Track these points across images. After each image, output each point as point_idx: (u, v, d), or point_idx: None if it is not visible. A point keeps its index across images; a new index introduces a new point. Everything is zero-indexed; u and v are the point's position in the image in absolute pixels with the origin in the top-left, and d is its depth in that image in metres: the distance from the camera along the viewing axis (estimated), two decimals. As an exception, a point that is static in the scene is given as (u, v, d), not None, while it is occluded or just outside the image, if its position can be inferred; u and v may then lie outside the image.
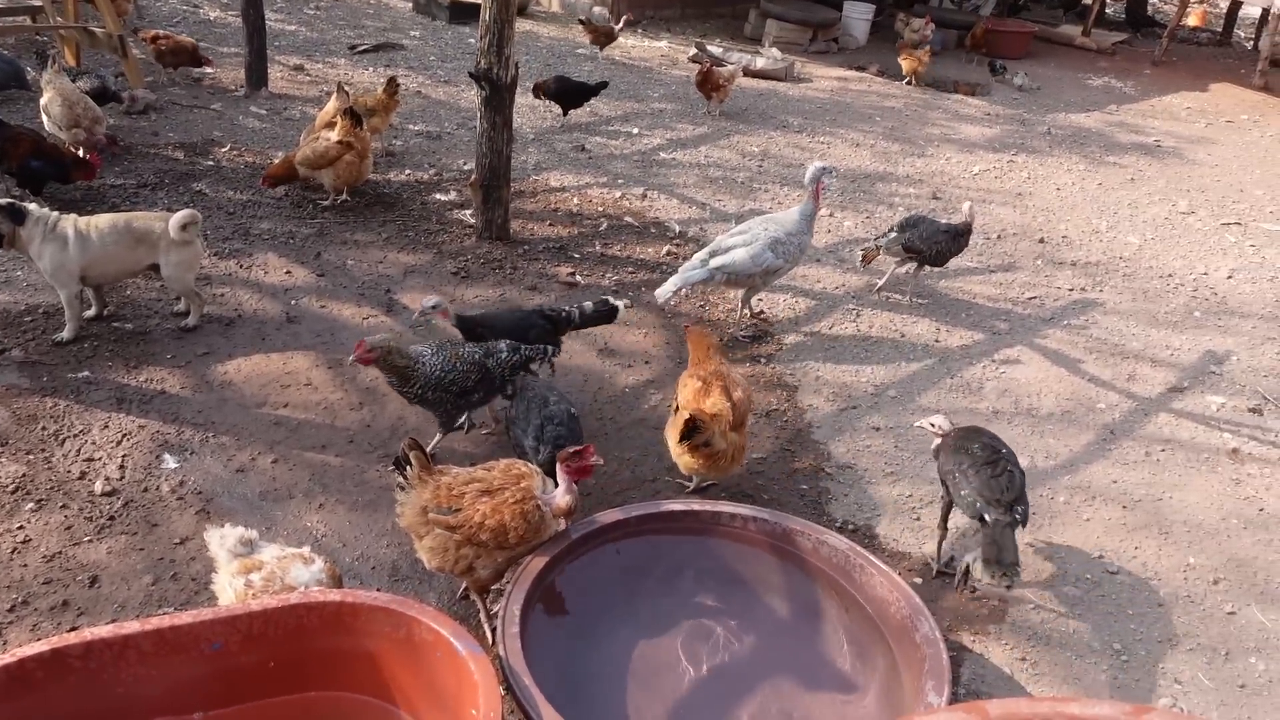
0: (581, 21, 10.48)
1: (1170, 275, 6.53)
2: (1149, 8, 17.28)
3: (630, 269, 5.68)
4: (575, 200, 6.56)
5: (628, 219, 6.35)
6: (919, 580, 3.51)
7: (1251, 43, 15.44)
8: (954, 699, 2.81)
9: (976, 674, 3.16)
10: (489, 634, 2.98)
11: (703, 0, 13.07)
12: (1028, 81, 11.48)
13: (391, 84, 6.53)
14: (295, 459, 3.75)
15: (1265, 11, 13.74)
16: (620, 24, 10.54)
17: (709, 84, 8.57)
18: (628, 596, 3.08)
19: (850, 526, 3.77)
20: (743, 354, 4.95)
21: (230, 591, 2.67)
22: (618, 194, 6.73)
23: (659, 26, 12.25)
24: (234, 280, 4.94)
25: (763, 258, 4.83)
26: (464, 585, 3.18)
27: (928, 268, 5.68)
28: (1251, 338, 5.72)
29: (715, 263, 4.84)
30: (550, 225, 6.11)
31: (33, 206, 4.15)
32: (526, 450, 3.44)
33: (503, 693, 2.47)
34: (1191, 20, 17.00)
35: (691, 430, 3.43)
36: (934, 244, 5.45)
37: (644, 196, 6.74)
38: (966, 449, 3.40)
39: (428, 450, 3.03)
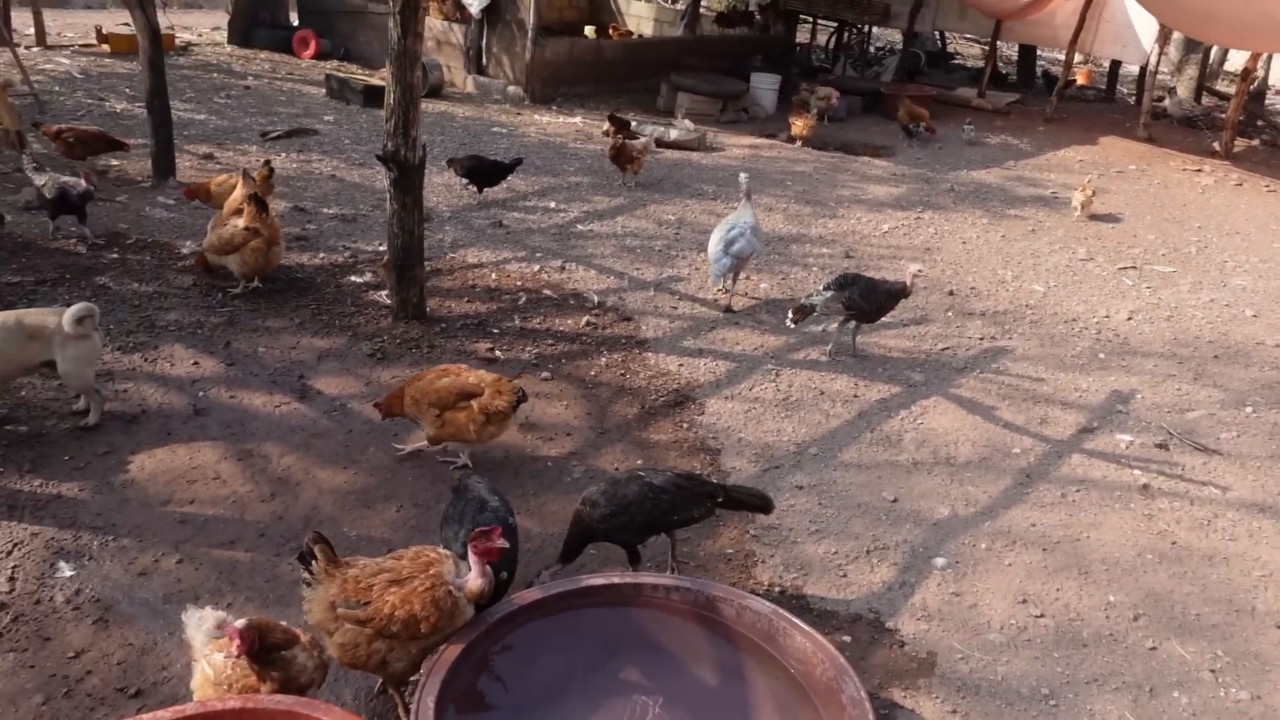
0: (610, 117, 10.22)
1: (1074, 320, 6.78)
2: (1038, 69, 18.31)
3: (550, 341, 5.67)
4: (493, 275, 6.57)
5: (546, 292, 6.37)
6: (847, 639, 3.50)
7: (1134, 98, 16.42)
8: (884, 759, 2.78)
9: (909, 731, 3.14)
10: (407, 729, 2.86)
11: (615, 76, 13.42)
12: (973, 135, 12.40)
13: (265, 167, 6.43)
14: (202, 558, 3.60)
15: (1143, 69, 14.68)
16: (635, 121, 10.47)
17: (623, 156, 8.74)
18: (550, 678, 2.99)
19: (778, 589, 3.75)
20: (665, 420, 4.95)
21: (209, 669, 2.62)
22: (536, 268, 6.76)
23: (573, 103, 12.52)
24: (138, 375, 4.78)
25: (754, 241, 6.27)
26: (381, 680, 3.06)
27: (856, 324, 5.77)
28: (1153, 376, 5.94)
29: (734, 250, 6.15)
30: (468, 302, 6.09)
31: None
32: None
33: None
34: (1078, 79, 18.05)
35: (523, 398, 4.19)
36: (874, 301, 5.57)
37: (562, 269, 6.78)
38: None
39: None
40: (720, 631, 3.14)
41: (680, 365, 5.56)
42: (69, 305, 4.14)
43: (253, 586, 3.49)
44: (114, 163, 7.82)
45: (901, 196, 9.62)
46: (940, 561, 3.98)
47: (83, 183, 6.03)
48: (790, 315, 5.68)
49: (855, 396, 5.37)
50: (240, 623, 2.57)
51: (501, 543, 2.85)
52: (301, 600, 2.91)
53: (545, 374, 5.27)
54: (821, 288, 5.73)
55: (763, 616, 3.07)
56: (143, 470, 4.05)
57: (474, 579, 2.86)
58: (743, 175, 6.53)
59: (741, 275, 6.78)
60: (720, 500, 3.64)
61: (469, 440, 4.20)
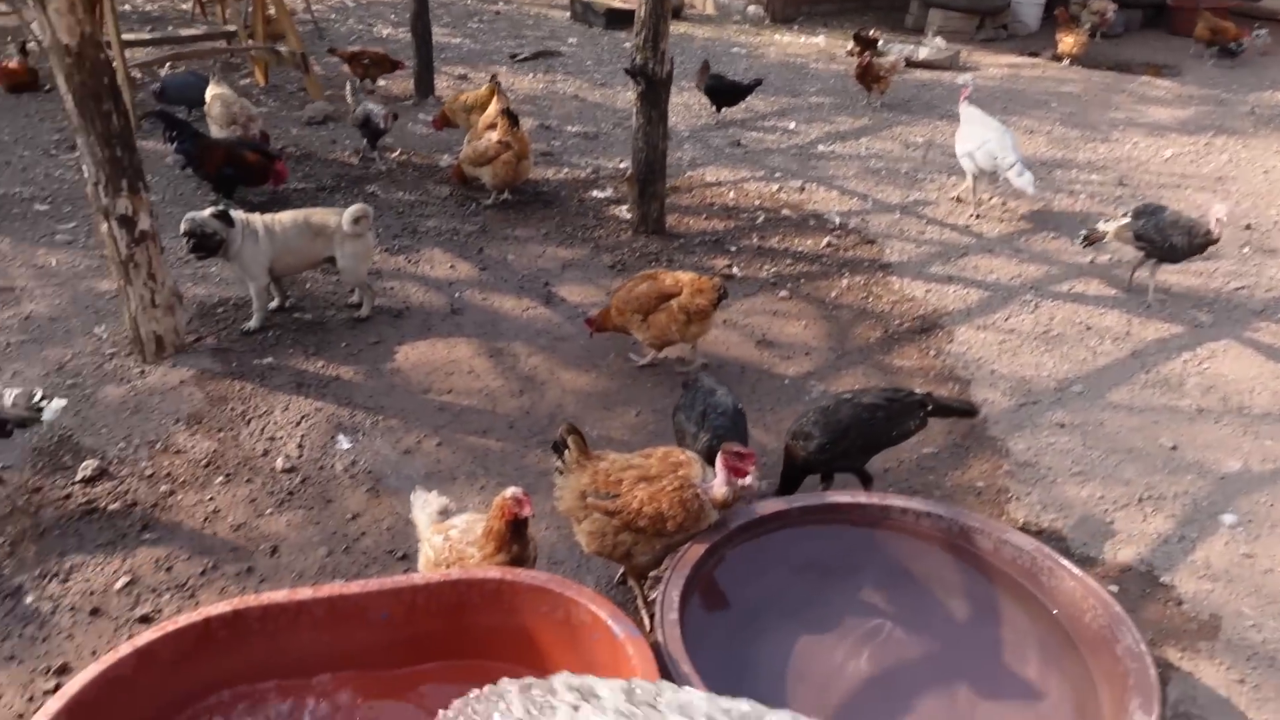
0: (856, 36, 9.37)
1: None
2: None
3: (789, 261, 5.51)
4: (731, 194, 6.45)
5: (785, 211, 6.19)
6: (1114, 589, 3.18)
7: None
8: None
9: (1186, 695, 2.82)
10: (645, 620, 2.91)
11: (861, -7, 12.70)
12: (1266, 41, 10.85)
13: (493, 80, 6.53)
14: (458, 443, 3.82)
15: None
16: (881, 40, 9.49)
17: (869, 76, 8.27)
18: (787, 589, 2.93)
19: (1033, 529, 3.48)
20: (909, 346, 4.70)
21: (430, 550, 2.80)
22: (774, 187, 6.57)
23: (815, 22, 11.99)
24: (402, 274, 5.12)
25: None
26: (621, 571, 3.13)
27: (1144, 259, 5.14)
28: None
29: (1021, 154, 5.84)
30: (706, 219, 6.03)
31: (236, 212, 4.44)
32: (687, 435, 3.36)
33: (659, 678, 2.38)
34: None
35: (724, 294, 4.17)
36: (1166, 237, 4.93)
37: (801, 189, 6.56)
38: None
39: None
40: (973, 564, 2.94)
41: (927, 291, 5.24)
42: (346, 208, 4.47)
43: (502, 473, 3.66)
44: (381, 83, 8.35)
45: (1188, 120, 8.50)
46: (1229, 518, 3.53)
47: (383, 118, 6.45)
48: (1082, 237, 5.20)
49: (1127, 334, 4.84)
50: (519, 491, 2.66)
51: (752, 473, 2.79)
52: (549, 489, 3.01)
53: (783, 293, 5.13)
54: (1121, 214, 5.17)
55: (1024, 553, 2.84)
56: (407, 360, 4.35)
57: (719, 486, 2.83)
58: (963, 76, 6.54)
59: (998, 199, 6.29)
60: (930, 409, 3.45)
61: (673, 340, 4.23)
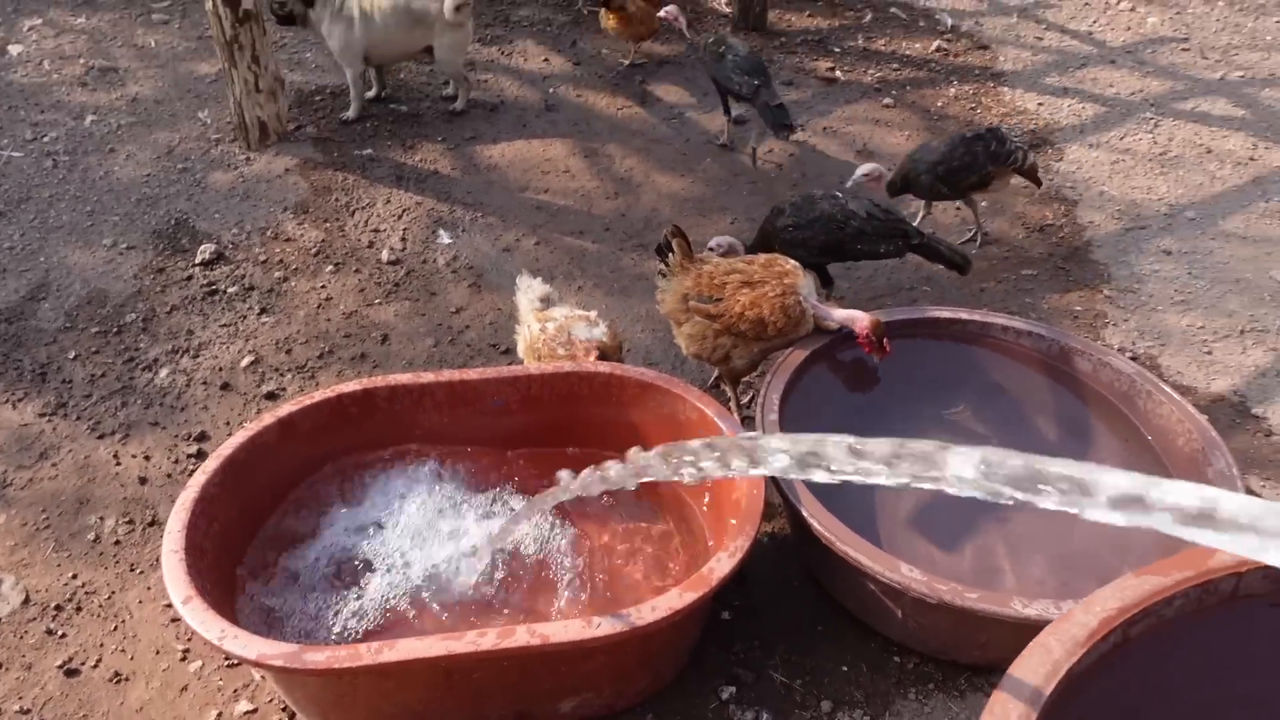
0: None
1: None
2: None
3: (895, 65, 5.24)
4: (836, -11, 6.06)
5: (894, 10, 5.81)
6: (1204, 418, 3.20)
7: None
8: (1242, 540, 2.59)
9: (1264, 521, 2.89)
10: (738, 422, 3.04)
11: None
12: None
13: None
14: (555, 242, 3.88)
15: None
16: None
17: None
18: (883, 400, 3.01)
19: (1128, 354, 3.47)
20: (1016, 163, 4.52)
21: (529, 331, 2.90)
22: (883, -18, 6.14)
23: None
24: (496, 67, 5.02)
25: None
26: (715, 375, 3.24)
27: None
28: None
29: None
30: (810, 16, 5.71)
31: None
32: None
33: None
34: None
35: None
36: None
37: (913, -15, 6.12)
38: None
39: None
40: (1069, 385, 2.97)
41: (1040, 104, 4.97)
42: None
43: (599, 275, 3.74)
44: None
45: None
46: (1336, 355, 3.47)
47: None
48: None
49: (1251, 159, 4.57)
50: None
51: (887, 350, 2.81)
52: (645, 292, 3.08)
53: (887, 100, 4.92)
54: None
55: (1123, 376, 2.86)
56: (503, 157, 4.35)
57: (835, 314, 2.86)
58: None
59: (1127, 2, 5.80)
60: (915, 244, 3.33)
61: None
